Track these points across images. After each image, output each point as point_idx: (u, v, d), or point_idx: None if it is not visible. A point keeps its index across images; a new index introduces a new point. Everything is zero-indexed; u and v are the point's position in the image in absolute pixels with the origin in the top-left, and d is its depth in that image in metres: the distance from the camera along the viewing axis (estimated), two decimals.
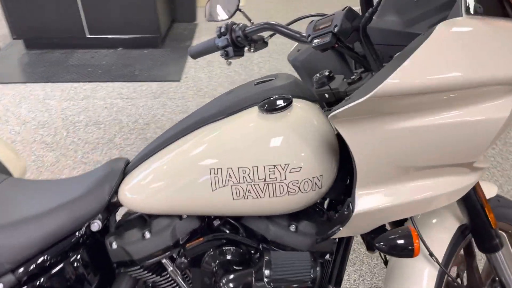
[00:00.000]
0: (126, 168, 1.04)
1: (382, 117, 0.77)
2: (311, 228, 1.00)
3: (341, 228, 0.90)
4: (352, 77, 0.94)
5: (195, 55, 1.18)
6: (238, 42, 1.05)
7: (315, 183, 0.92)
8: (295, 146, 0.90)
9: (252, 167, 0.89)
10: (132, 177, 0.99)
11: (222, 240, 1.03)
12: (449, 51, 0.72)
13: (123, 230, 1.02)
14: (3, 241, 0.91)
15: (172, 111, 3.14)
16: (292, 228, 0.99)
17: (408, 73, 0.70)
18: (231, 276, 0.99)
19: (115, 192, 1.00)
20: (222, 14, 1.12)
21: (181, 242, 1.01)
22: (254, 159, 0.90)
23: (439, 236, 1.14)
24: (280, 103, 0.90)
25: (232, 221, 1.04)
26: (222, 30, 1.05)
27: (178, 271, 1.04)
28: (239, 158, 0.90)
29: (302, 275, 0.93)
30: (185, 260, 1.03)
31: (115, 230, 1.05)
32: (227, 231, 1.04)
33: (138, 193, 0.97)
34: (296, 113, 0.92)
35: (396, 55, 0.78)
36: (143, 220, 1.04)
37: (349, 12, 0.85)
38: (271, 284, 0.93)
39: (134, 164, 1.02)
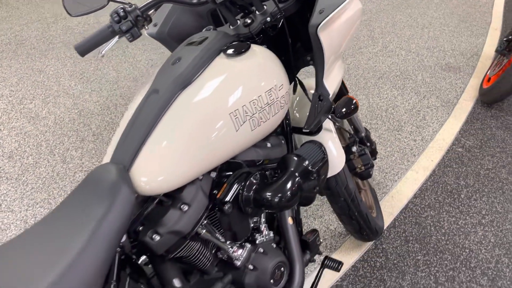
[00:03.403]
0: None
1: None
2: (275, 139, 1.22)
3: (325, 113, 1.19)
4: (245, 21, 1.19)
5: (85, 51, 1.12)
6: (138, 22, 1.08)
7: (289, 93, 1.14)
8: (273, 70, 1.08)
9: (258, 96, 1.04)
10: (142, 167, 0.93)
11: (241, 175, 1.09)
12: None
13: (156, 219, 0.96)
14: None
15: None
16: (268, 144, 1.18)
17: None
18: (278, 187, 1.07)
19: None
20: (89, 5, 1.11)
21: (212, 197, 1.05)
22: (256, 90, 1.04)
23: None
24: (245, 46, 1.06)
25: (230, 161, 1.10)
26: (121, 14, 1.05)
27: (214, 229, 1.07)
28: (247, 94, 1.02)
29: (322, 154, 1.18)
30: (223, 210, 1.05)
31: (146, 224, 0.97)
32: (231, 172, 1.11)
33: (158, 177, 0.92)
34: (256, 49, 1.09)
35: None
36: (167, 201, 1.00)
37: None
38: (319, 175, 1.14)
39: (131, 157, 0.94)
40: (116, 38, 1.14)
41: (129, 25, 1.07)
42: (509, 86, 2.55)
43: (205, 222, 1.04)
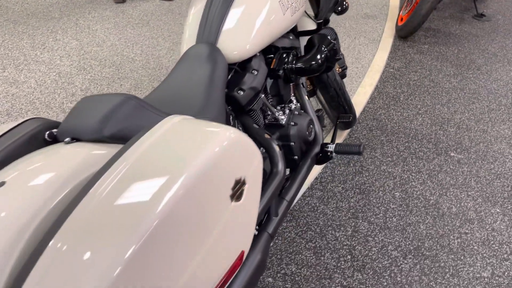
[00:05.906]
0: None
1: None
2: (292, 35, 1.68)
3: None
4: None
5: None
6: None
7: None
8: None
9: None
10: (223, 44, 1.31)
11: (282, 53, 1.53)
12: None
13: (238, 81, 1.33)
14: None
15: None
16: (291, 37, 1.65)
17: None
18: (312, 56, 1.53)
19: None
20: None
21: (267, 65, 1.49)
22: None
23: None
24: None
25: (271, 45, 1.54)
26: None
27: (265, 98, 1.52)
28: None
29: (335, 33, 1.67)
30: (278, 75, 1.49)
31: (231, 85, 1.33)
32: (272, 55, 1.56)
33: (234, 50, 1.31)
34: None
35: None
36: (240, 70, 1.37)
37: None
38: (337, 46, 1.62)
39: (214, 37, 1.31)
40: None
41: None
42: (419, 19, 3.30)
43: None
